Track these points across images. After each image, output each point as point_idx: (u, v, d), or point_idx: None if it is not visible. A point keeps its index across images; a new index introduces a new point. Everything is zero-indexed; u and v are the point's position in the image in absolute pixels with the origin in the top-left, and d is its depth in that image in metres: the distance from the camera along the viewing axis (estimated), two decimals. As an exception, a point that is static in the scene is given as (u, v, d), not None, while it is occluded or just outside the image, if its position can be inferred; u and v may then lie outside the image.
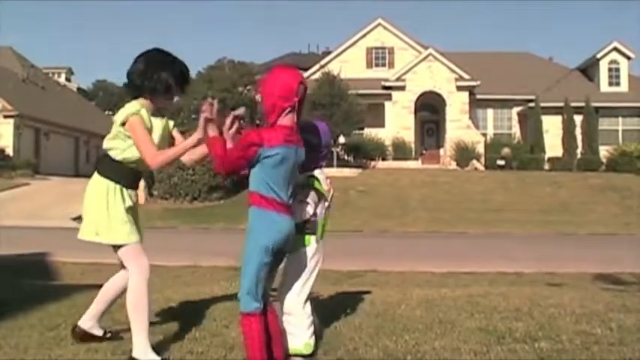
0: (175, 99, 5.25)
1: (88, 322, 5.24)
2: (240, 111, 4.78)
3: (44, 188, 32.53)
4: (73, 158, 51.76)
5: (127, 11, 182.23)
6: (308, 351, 4.79)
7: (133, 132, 4.84)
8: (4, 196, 29.07)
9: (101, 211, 4.94)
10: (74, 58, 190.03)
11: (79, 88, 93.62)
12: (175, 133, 5.39)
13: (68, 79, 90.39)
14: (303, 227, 4.93)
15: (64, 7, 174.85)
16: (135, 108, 4.91)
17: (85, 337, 5.20)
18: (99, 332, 5.27)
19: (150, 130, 4.96)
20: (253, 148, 4.26)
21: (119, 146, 4.96)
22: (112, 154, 4.99)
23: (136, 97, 5.03)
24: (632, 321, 5.95)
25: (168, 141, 5.27)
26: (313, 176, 5.00)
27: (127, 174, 5.07)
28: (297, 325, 4.80)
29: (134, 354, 4.70)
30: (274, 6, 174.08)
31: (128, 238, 4.95)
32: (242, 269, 4.39)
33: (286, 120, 4.44)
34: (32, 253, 12.62)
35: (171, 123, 5.36)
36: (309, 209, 4.98)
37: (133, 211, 5.18)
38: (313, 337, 4.85)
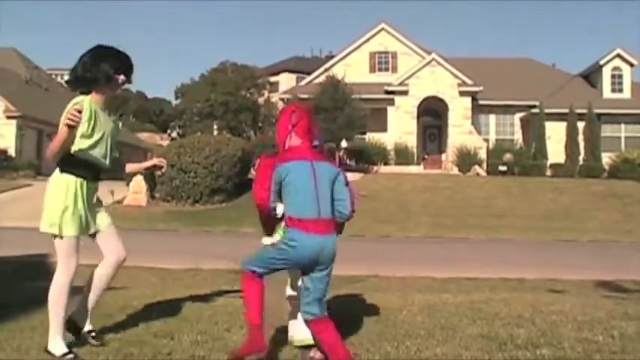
0: (119, 88, 5.47)
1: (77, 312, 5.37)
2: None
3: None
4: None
5: (131, 13, 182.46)
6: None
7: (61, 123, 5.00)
8: (6, 197, 29.07)
9: (47, 200, 5.15)
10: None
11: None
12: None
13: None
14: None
15: (67, 9, 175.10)
16: (74, 101, 5.10)
17: (71, 326, 5.28)
18: (87, 327, 5.36)
19: (94, 124, 5.16)
20: (270, 169, 4.80)
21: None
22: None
23: (84, 93, 5.23)
24: (634, 329, 5.95)
25: (115, 142, 5.49)
26: None
27: (77, 165, 5.15)
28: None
29: (49, 347, 4.96)
30: (278, 10, 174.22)
31: (60, 229, 5.06)
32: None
33: (292, 141, 4.95)
34: (34, 254, 12.61)
35: (119, 129, 5.69)
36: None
37: (86, 204, 5.23)
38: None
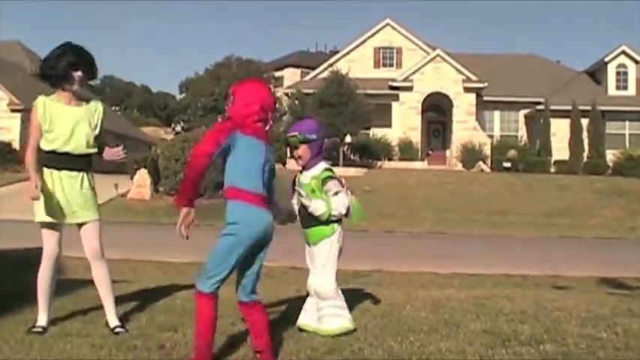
0: (79, 85, 5.59)
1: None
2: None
3: (50, 182, 32.38)
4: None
5: (135, 8, 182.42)
6: (353, 325, 5.48)
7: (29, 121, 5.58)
8: (10, 189, 29.09)
9: None
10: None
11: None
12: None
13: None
14: (329, 217, 5.40)
15: (72, 2, 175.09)
16: (36, 100, 5.54)
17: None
18: (112, 322, 5.58)
19: (52, 119, 5.47)
20: (225, 133, 4.46)
21: None
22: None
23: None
24: (638, 326, 5.94)
25: (96, 125, 5.70)
26: (329, 169, 5.50)
27: (49, 158, 5.48)
28: (340, 306, 5.50)
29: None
30: (283, 4, 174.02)
31: (37, 216, 5.48)
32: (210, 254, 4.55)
33: (252, 119, 4.69)
34: (37, 247, 12.61)
35: (98, 110, 5.78)
36: (343, 199, 5.40)
37: (66, 193, 5.50)
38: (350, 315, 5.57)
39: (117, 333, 5.35)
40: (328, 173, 5.41)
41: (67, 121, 5.50)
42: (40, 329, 5.36)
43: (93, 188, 5.66)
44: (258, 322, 4.56)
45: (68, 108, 5.56)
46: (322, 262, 5.51)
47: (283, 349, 5.00)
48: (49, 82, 5.58)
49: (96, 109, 5.71)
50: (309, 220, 5.43)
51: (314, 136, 5.39)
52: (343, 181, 5.54)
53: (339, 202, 5.33)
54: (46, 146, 5.45)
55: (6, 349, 4.88)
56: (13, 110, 41.95)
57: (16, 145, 40.57)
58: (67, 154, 5.46)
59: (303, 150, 5.41)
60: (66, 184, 5.45)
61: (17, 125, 41.89)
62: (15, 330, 5.35)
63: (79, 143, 5.51)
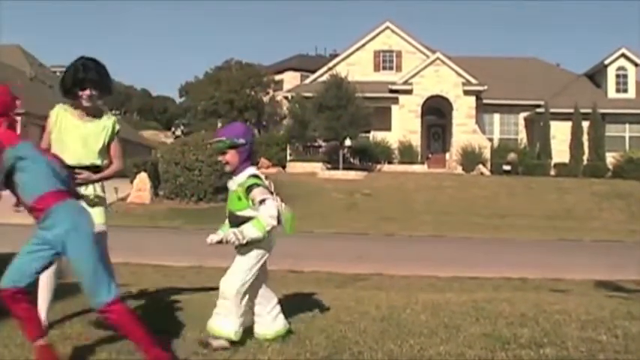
0: (87, 102, 5.65)
1: None
2: None
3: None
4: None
5: (135, 11, 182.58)
6: (237, 338, 5.14)
7: None
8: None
9: None
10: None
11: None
12: (113, 144, 5.90)
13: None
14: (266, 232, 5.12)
15: (72, 6, 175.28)
16: (54, 109, 5.81)
17: None
18: None
19: (59, 129, 5.70)
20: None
21: None
22: None
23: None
24: (638, 329, 5.93)
25: (103, 142, 5.80)
26: (256, 175, 5.21)
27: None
28: (232, 311, 5.14)
29: None
30: (282, 8, 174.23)
31: None
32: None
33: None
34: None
35: (107, 128, 5.84)
36: (270, 207, 5.07)
37: None
38: (242, 329, 5.20)
39: None
40: (253, 180, 5.15)
41: (76, 136, 5.65)
42: None
43: (99, 196, 5.80)
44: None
45: (78, 123, 5.69)
46: (239, 264, 5.25)
47: (283, 352, 5.01)
48: (65, 97, 5.70)
49: (104, 126, 5.77)
50: (240, 224, 5.14)
51: (242, 141, 5.21)
52: (272, 186, 5.33)
53: (266, 214, 5.01)
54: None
55: (5, 353, 4.88)
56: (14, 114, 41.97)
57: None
58: (72, 165, 5.47)
59: (231, 155, 5.21)
60: None
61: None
62: (14, 334, 5.34)
63: (84, 158, 5.62)
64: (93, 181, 5.66)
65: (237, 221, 5.15)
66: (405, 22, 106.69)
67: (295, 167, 40.80)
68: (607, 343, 5.45)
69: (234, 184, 5.26)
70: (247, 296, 5.26)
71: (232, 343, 5.12)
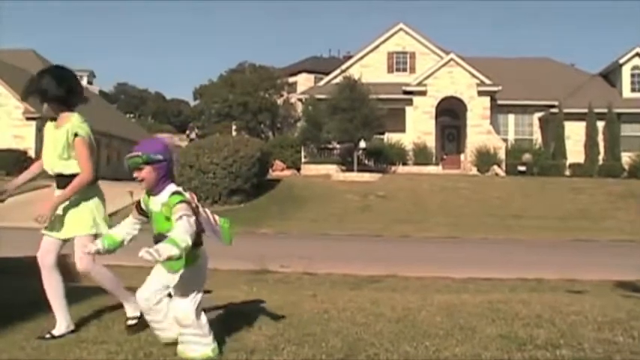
0: (49, 113, 5.81)
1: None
2: None
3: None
4: (95, 160, 51.82)
5: (148, 15, 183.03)
6: (215, 353, 4.98)
7: None
8: (25, 198, 29.09)
9: None
10: (96, 61, 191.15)
11: (100, 91, 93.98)
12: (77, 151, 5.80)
13: (90, 82, 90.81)
14: (198, 240, 4.97)
15: (85, 11, 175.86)
16: None
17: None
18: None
19: (44, 137, 5.89)
20: None
21: None
22: None
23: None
24: (655, 329, 5.90)
25: (62, 147, 5.74)
26: (178, 192, 4.93)
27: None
28: (201, 334, 4.97)
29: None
30: (296, 10, 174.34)
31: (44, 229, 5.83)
32: None
33: None
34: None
35: (68, 131, 5.75)
36: (185, 225, 4.70)
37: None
38: (215, 342, 5.04)
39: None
40: (178, 198, 4.82)
41: (48, 143, 5.79)
42: (49, 335, 5.47)
43: (80, 204, 5.79)
44: None
45: (51, 130, 5.82)
46: (182, 290, 4.99)
47: (298, 354, 5.01)
48: None
49: (66, 130, 5.69)
50: None
51: (159, 157, 4.89)
52: (195, 198, 5.04)
53: (180, 232, 4.62)
54: None
55: (22, 356, 4.91)
56: (28, 118, 42.18)
57: (31, 153, 40.76)
58: (53, 173, 5.78)
59: (147, 172, 4.87)
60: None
61: (32, 133, 42.10)
62: (30, 337, 5.37)
63: (54, 165, 5.73)
64: (55, 208, 5.62)
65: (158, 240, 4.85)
66: (418, 23, 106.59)
67: (310, 169, 40.83)
68: (624, 344, 5.42)
69: (157, 204, 4.96)
70: (203, 311, 5.07)
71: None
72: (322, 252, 16.76)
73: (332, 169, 39.34)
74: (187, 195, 4.93)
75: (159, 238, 4.83)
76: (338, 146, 41.45)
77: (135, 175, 4.92)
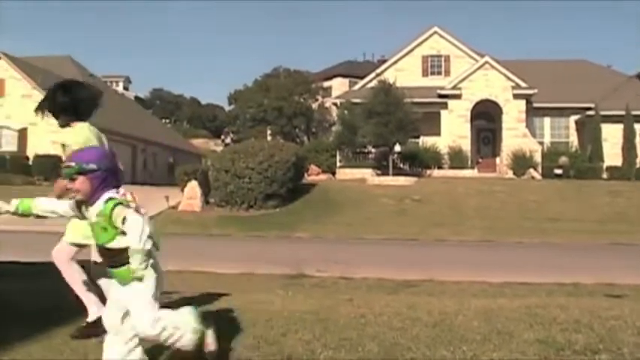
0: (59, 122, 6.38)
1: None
2: None
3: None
4: (131, 165, 52.27)
5: (185, 20, 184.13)
6: (197, 325, 4.70)
7: None
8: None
9: None
10: (132, 67, 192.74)
11: (136, 97, 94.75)
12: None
13: (126, 88, 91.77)
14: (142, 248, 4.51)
15: (122, 19, 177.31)
16: None
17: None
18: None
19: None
20: None
21: None
22: None
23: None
24: (696, 334, 5.83)
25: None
26: (112, 198, 4.61)
27: None
28: (174, 327, 4.63)
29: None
30: (330, 14, 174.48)
31: (65, 236, 6.19)
32: None
33: None
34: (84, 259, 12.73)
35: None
36: (136, 222, 4.45)
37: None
38: (188, 318, 4.72)
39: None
40: (112, 203, 4.55)
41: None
42: (85, 324, 5.75)
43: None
44: None
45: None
46: (139, 305, 4.61)
47: (335, 359, 5.01)
48: None
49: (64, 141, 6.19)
50: (115, 257, 4.63)
51: (92, 166, 4.61)
52: (133, 202, 4.65)
53: (134, 229, 4.38)
54: None
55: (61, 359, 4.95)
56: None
57: (69, 158, 41.12)
58: None
59: (80, 182, 4.60)
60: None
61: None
62: (69, 340, 5.42)
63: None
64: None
65: (112, 255, 4.63)
66: (452, 26, 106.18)
67: (345, 173, 40.83)
68: (664, 349, 5.36)
69: (92, 215, 4.69)
70: (161, 313, 4.67)
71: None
72: (358, 256, 16.76)
73: (367, 173, 39.31)
74: (123, 197, 4.64)
75: (101, 251, 4.70)
76: (373, 150, 41.47)
77: (69, 186, 4.69)
